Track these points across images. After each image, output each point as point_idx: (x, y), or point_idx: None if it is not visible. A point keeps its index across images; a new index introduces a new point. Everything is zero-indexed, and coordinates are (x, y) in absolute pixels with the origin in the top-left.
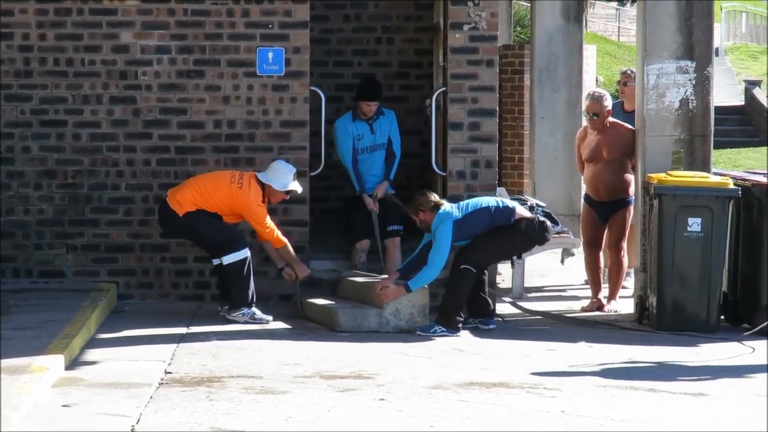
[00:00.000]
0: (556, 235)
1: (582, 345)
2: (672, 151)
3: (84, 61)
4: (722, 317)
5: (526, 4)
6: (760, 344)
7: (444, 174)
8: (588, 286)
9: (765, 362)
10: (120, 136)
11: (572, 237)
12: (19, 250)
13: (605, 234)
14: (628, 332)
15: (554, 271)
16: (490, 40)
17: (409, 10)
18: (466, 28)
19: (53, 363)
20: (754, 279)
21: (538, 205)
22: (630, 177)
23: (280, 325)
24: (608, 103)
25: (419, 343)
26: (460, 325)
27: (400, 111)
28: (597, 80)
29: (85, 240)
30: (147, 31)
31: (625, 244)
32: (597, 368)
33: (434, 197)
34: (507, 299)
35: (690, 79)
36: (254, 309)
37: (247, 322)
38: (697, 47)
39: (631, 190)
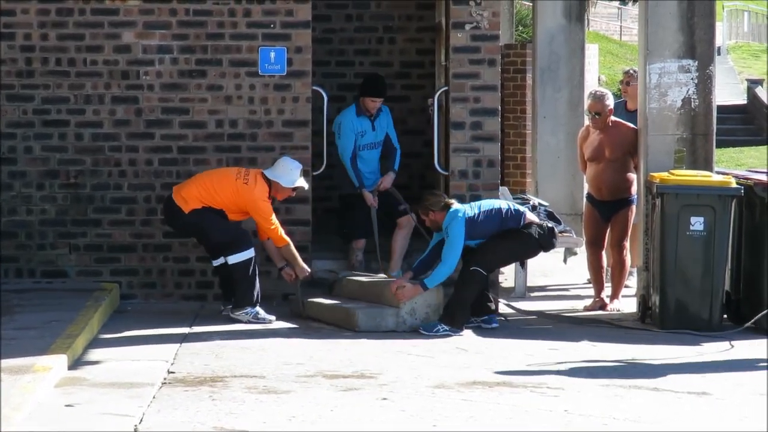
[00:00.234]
0: (559, 235)
1: (585, 344)
2: (674, 150)
3: (86, 61)
4: (725, 316)
5: (527, 3)
6: (760, 343)
7: (446, 173)
8: (591, 286)
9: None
10: (122, 136)
11: (575, 236)
12: (22, 250)
13: (608, 233)
14: (630, 331)
15: (557, 271)
16: (492, 39)
17: (410, 10)
18: (467, 27)
19: (56, 363)
20: (757, 278)
21: (540, 204)
22: (632, 176)
23: (283, 324)
24: (610, 102)
25: (422, 342)
26: (463, 325)
27: (402, 111)
28: (599, 79)
29: (87, 240)
30: (149, 31)
31: (627, 243)
32: (600, 367)
33: (444, 197)
34: (502, 300)
35: (692, 78)
36: (258, 308)
37: (250, 322)
38: (699, 46)
39: (634, 189)
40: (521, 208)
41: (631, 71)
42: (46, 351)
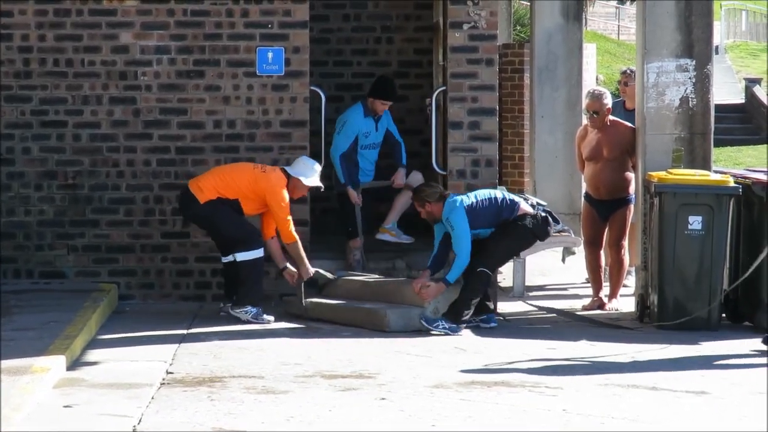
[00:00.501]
0: (557, 234)
1: (583, 343)
2: (672, 149)
3: (84, 62)
4: (723, 315)
5: (525, 3)
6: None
7: (444, 173)
8: (589, 285)
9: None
10: (120, 136)
11: (573, 236)
12: (20, 251)
13: (606, 232)
14: (629, 331)
15: (555, 270)
16: (490, 39)
17: (408, 10)
18: (465, 27)
19: (55, 364)
20: (755, 277)
21: (539, 203)
22: (630, 175)
23: (282, 325)
24: (608, 101)
25: (420, 342)
26: (465, 325)
27: (400, 110)
28: (597, 79)
29: (85, 240)
30: (146, 32)
31: (625, 243)
32: (598, 367)
33: (440, 188)
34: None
35: (690, 78)
36: (258, 309)
37: (249, 321)
38: (696, 45)
39: (632, 188)
40: (516, 198)
41: (629, 71)
42: (44, 352)
